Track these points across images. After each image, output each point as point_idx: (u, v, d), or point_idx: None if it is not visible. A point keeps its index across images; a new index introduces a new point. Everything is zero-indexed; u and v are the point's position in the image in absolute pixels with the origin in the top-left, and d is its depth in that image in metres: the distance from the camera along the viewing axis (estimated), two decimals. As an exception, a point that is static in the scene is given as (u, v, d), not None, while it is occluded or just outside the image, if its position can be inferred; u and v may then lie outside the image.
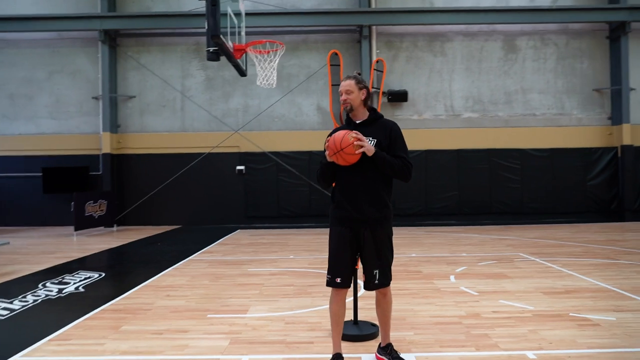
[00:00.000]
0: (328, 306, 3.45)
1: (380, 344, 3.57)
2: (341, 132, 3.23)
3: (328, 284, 3.36)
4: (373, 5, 14.02)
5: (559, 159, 14.16)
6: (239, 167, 14.21)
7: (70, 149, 14.39)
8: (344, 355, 3.43)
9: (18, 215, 14.25)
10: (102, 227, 13.28)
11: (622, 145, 14.00)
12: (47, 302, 5.44)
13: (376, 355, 3.58)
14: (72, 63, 14.61)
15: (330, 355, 3.37)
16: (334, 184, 3.46)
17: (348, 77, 3.45)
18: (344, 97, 3.39)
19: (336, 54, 4.41)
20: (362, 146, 3.19)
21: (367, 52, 13.88)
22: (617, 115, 14.14)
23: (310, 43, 14.37)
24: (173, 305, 5.18)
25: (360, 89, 3.43)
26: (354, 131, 3.25)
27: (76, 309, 5.07)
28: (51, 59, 14.60)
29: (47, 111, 14.58)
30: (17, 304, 5.31)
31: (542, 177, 14.10)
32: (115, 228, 13.62)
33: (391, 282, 3.43)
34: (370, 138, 3.34)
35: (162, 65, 14.52)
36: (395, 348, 3.53)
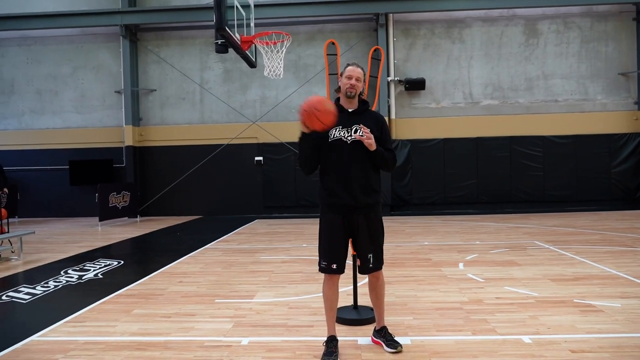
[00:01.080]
0: (323, 293, 3.53)
1: (375, 327, 3.65)
2: (312, 97, 3.22)
3: (323, 271, 3.45)
4: (389, -7, 13.91)
5: (583, 145, 13.87)
6: (257, 158, 14.38)
7: (94, 142, 14.81)
8: (343, 338, 3.51)
9: (46, 206, 14.78)
10: (125, 218, 13.65)
11: (649, 130, 13.63)
12: (67, 287, 5.69)
13: (372, 338, 3.66)
14: (95, 58, 14.98)
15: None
16: (322, 173, 3.50)
17: (357, 65, 3.50)
18: (353, 82, 3.41)
19: (333, 43, 4.45)
20: (371, 142, 3.28)
21: (384, 40, 13.81)
22: (644, 99, 13.76)
23: (327, 32, 14.36)
24: (184, 291, 5.35)
25: (364, 80, 3.51)
26: (361, 125, 3.32)
27: (93, 294, 5.29)
28: (75, 54, 15.00)
29: (72, 105, 15.01)
30: (39, 289, 5.57)
31: (564, 165, 13.85)
32: (138, 219, 13.98)
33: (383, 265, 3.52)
34: (360, 127, 3.38)
35: (182, 58, 14.75)
36: (390, 332, 3.60)
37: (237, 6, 6.02)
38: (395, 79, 13.96)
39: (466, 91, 14.15)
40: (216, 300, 4.92)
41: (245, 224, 12.13)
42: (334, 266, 3.42)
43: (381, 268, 3.51)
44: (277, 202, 14.32)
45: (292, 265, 6.66)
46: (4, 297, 5.25)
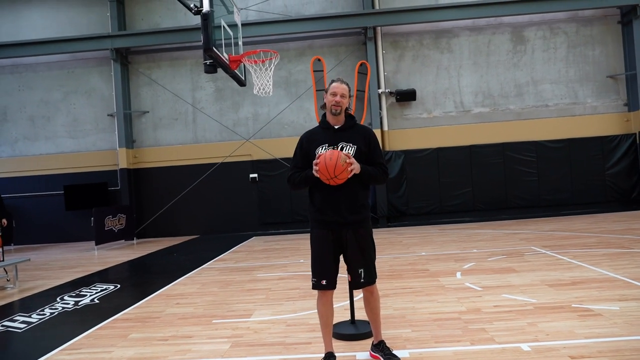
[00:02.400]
0: (317, 309, 3.51)
1: (373, 341, 3.62)
2: (332, 157, 3.17)
3: (314, 287, 3.44)
4: (377, 7, 14.08)
5: (576, 149, 13.94)
6: (252, 175, 14.38)
7: (89, 166, 14.79)
8: (341, 353, 3.48)
9: (41, 232, 14.71)
10: (122, 241, 13.59)
11: (641, 131, 13.72)
12: (64, 314, 5.64)
13: (370, 353, 3.63)
14: (87, 82, 15.03)
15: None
16: (311, 190, 3.50)
17: (342, 81, 3.50)
18: (338, 99, 3.40)
19: (319, 60, 4.48)
20: (353, 168, 3.24)
21: (373, 53, 13.93)
22: (634, 100, 13.86)
23: (316, 48, 14.48)
24: (181, 313, 5.31)
25: (349, 96, 3.51)
26: (344, 153, 3.25)
27: (89, 320, 5.25)
28: (66, 80, 15.05)
29: (65, 130, 15.02)
30: (34, 317, 5.51)
31: (558, 169, 13.90)
32: (135, 241, 13.91)
33: (377, 279, 3.51)
34: (350, 144, 3.39)
35: (173, 79, 14.82)
36: (389, 345, 3.57)
37: (224, 26, 6.07)
38: (386, 90, 14.04)
39: (457, 100, 14.24)
40: (213, 321, 4.89)
41: (242, 242, 12.08)
42: (324, 282, 3.40)
43: (374, 283, 3.48)
44: (274, 218, 14.29)
45: (290, 282, 6.62)
46: (-1, 327, 5.19)
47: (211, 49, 5.37)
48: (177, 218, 14.51)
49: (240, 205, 14.40)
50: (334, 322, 3.75)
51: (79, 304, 6.13)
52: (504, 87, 14.20)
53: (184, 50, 14.77)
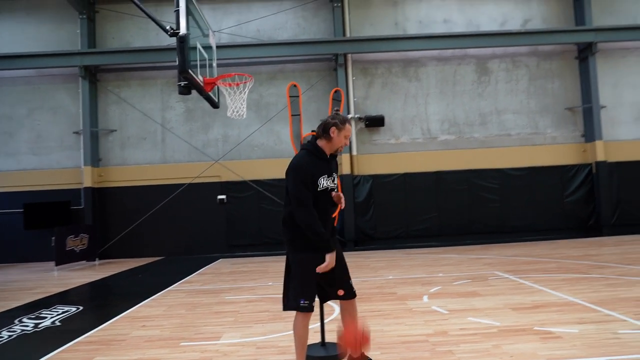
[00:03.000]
0: (295, 330, 3.55)
1: (350, 354, 3.70)
2: (359, 335, 3.44)
3: (305, 309, 3.47)
4: (347, 35, 14.44)
5: (537, 177, 14.46)
6: (220, 197, 14.30)
7: (51, 184, 14.38)
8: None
9: (-2, 252, 14.14)
10: (84, 262, 13.20)
11: (597, 161, 14.35)
12: (23, 337, 5.44)
13: None
14: (53, 99, 14.74)
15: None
16: None
17: (350, 123, 3.65)
18: (347, 142, 3.63)
19: (295, 86, 4.60)
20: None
21: (344, 79, 14.22)
22: (590, 132, 14.53)
23: (288, 72, 14.68)
24: (147, 335, 5.21)
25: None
26: (341, 196, 3.60)
27: (51, 343, 5.08)
28: (32, 95, 14.72)
29: (28, 147, 14.63)
30: (-10, 341, 5.30)
31: (520, 196, 14.36)
32: (97, 262, 13.55)
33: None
34: (335, 174, 3.70)
35: (143, 98, 14.71)
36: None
37: (199, 49, 6.14)
38: (356, 116, 14.31)
39: (424, 127, 14.62)
40: (181, 344, 4.82)
41: (209, 264, 11.93)
42: (313, 304, 3.52)
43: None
44: (241, 240, 14.19)
45: (258, 305, 6.59)
46: (-47, 351, 4.98)
47: (187, 71, 5.42)
48: (142, 239, 14.22)
49: (208, 226, 14.26)
50: (305, 344, 3.78)
51: (39, 326, 5.93)
52: (469, 116, 14.68)
53: (155, 70, 14.72)
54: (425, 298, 6.41)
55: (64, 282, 9.85)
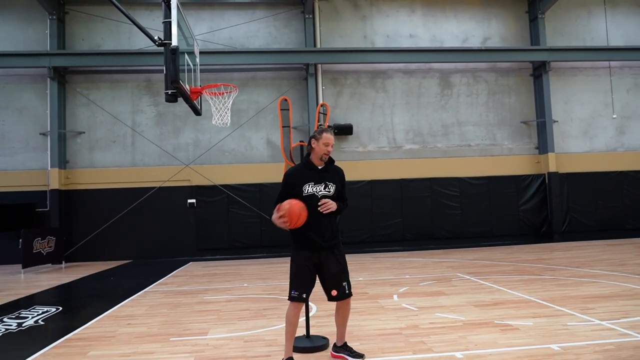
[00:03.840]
0: (287, 317, 3.96)
1: (335, 343, 4.16)
2: (296, 210, 3.79)
3: (294, 299, 3.92)
4: (318, 45, 14.92)
5: (494, 186, 15.31)
6: (190, 201, 14.45)
7: (15, 185, 14.18)
8: (298, 363, 3.92)
9: (-42, 255, 13.79)
10: (49, 265, 13.08)
11: (549, 172, 15.32)
12: (9, 335, 5.57)
13: (332, 354, 4.15)
14: (19, 99, 14.55)
15: (285, 363, 3.85)
16: None
17: (330, 132, 4.07)
18: (329, 149, 4.04)
19: (286, 100, 4.99)
20: (329, 208, 3.93)
21: (314, 88, 14.69)
22: (544, 145, 15.51)
23: (259, 80, 15.02)
24: (135, 332, 5.45)
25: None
26: (323, 202, 3.91)
27: (40, 340, 5.26)
28: (-3, 95, 14.49)
29: (-9, 148, 14.37)
30: (-24, 339, 5.41)
31: (479, 203, 15.17)
32: (63, 265, 13.43)
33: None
34: (331, 183, 4.08)
35: (112, 101, 14.71)
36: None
37: (187, 59, 6.44)
38: (329, 116, 14.74)
39: (390, 136, 15.23)
40: (171, 339, 5.10)
41: (180, 267, 12.09)
42: (304, 295, 3.93)
43: (351, 294, 4.14)
44: (211, 244, 14.38)
45: (238, 304, 6.90)
46: (-59, 348, 5.08)
47: (178, 81, 5.71)
48: (109, 242, 14.19)
49: (177, 230, 14.38)
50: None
51: (23, 325, 6.05)
52: (432, 127, 15.41)
53: (126, 73, 14.77)
54: (395, 297, 6.89)
55: (35, 285, 9.83)
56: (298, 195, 3.95)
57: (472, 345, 4.43)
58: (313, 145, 4.07)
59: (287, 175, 4.09)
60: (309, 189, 3.99)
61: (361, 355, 4.09)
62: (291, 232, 4.00)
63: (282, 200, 3.93)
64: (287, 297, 4.00)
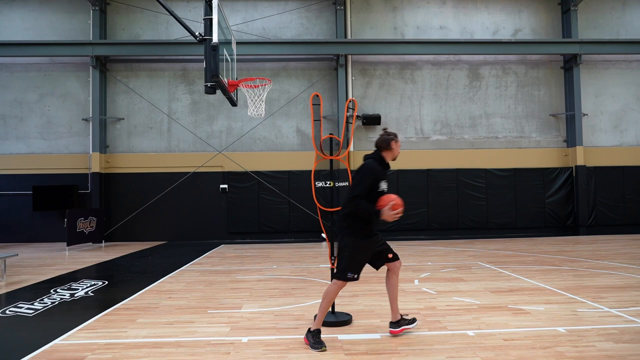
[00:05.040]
0: (329, 294, 4.36)
1: (391, 321, 4.63)
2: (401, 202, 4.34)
3: (349, 280, 4.32)
4: (349, 37, 15.22)
5: (520, 178, 15.42)
6: (222, 186, 15.06)
7: (60, 168, 15.04)
8: (327, 335, 4.41)
9: (7, 232, 14.78)
10: (90, 243, 13.91)
11: (577, 165, 15.33)
12: (64, 303, 6.21)
13: (391, 331, 4.59)
14: (63, 86, 15.35)
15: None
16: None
17: None
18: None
19: (317, 96, 5.39)
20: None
21: (344, 78, 15.02)
22: (572, 138, 15.50)
23: (290, 70, 15.44)
24: (176, 304, 6.01)
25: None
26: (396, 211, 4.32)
27: (92, 308, 5.87)
28: (42, 82, 15.32)
29: (37, 132, 15.24)
30: (38, 305, 6.07)
31: (505, 195, 15.32)
32: (103, 244, 14.25)
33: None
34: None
35: (150, 89, 15.38)
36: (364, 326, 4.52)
37: (226, 57, 6.90)
38: (356, 112, 15.09)
39: (417, 127, 15.48)
40: (209, 311, 5.63)
41: (212, 249, 12.71)
42: (356, 276, 4.36)
43: None
44: (241, 228, 14.99)
45: (268, 283, 7.42)
46: (8, 312, 5.73)
47: (217, 75, 6.18)
48: (145, 224, 14.96)
49: (209, 214, 15.03)
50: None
51: (75, 295, 6.70)
52: (460, 118, 15.58)
53: (163, 62, 15.39)
54: (416, 282, 7.29)
55: (80, 261, 10.58)
56: (373, 189, 4.31)
57: (484, 325, 4.81)
58: (393, 147, 4.48)
59: (374, 170, 4.35)
60: (383, 186, 4.37)
61: (415, 319, 4.65)
62: (353, 222, 4.32)
63: (365, 192, 4.23)
64: (338, 277, 4.32)
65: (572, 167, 15.51)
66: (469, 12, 15.81)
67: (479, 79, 15.73)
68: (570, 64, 15.55)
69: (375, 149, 4.56)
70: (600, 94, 15.80)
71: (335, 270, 4.45)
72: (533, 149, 15.68)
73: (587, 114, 15.61)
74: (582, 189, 15.30)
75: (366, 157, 4.53)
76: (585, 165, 15.36)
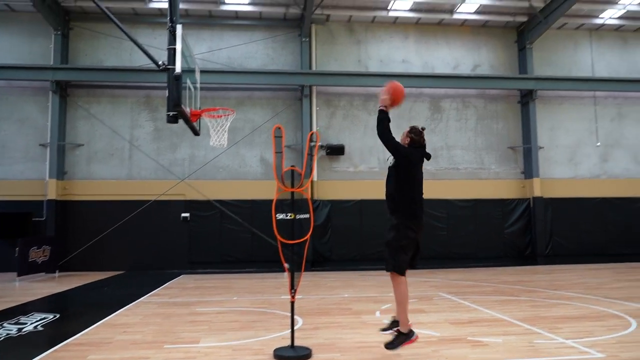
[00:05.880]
0: (401, 295, 4.68)
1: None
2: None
3: (404, 272, 4.59)
4: (314, 68, 15.46)
5: (481, 208, 15.77)
6: (184, 215, 14.79)
7: (14, 195, 14.44)
8: None
9: (-47, 261, 14.01)
10: (43, 273, 13.33)
11: (534, 197, 15.81)
12: (10, 339, 5.89)
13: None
14: (21, 110, 14.91)
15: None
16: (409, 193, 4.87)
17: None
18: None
19: (279, 128, 5.42)
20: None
21: (308, 109, 15.18)
22: (529, 170, 16.03)
23: (255, 99, 15.51)
24: (131, 339, 5.79)
25: (408, 137, 5.18)
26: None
27: (41, 344, 5.60)
28: (-1, 106, 14.87)
29: (-9, 157, 14.69)
30: (-21, 342, 5.73)
31: (466, 225, 15.60)
32: (57, 274, 13.68)
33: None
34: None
35: (112, 115, 15.12)
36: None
37: (189, 86, 6.88)
38: (318, 144, 15.23)
39: (381, 157, 15.69)
40: (165, 346, 5.45)
41: (172, 279, 12.38)
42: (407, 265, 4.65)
43: None
44: (202, 258, 14.69)
45: (228, 316, 7.26)
46: (-53, 349, 5.39)
47: (180, 105, 6.14)
48: (102, 253, 14.47)
49: (170, 243, 14.69)
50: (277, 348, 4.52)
51: (23, 330, 6.37)
52: (422, 149, 15.86)
53: (126, 88, 15.20)
54: (377, 313, 7.27)
55: (31, 292, 10.11)
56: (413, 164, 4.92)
57: (443, 358, 4.83)
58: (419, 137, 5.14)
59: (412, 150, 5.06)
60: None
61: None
62: (401, 202, 4.63)
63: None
64: (395, 270, 4.55)
65: (529, 199, 15.98)
66: (430, 47, 16.34)
67: (440, 112, 16.17)
68: (526, 98, 16.19)
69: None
70: (555, 127, 16.47)
71: (388, 265, 4.58)
72: (492, 180, 16.11)
73: (543, 147, 16.20)
74: (539, 219, 15.74)
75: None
76: (542, 197, 15.86)
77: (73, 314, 7.80)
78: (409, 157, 4.70)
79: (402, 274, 4.50)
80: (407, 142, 4.99)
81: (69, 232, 14.58)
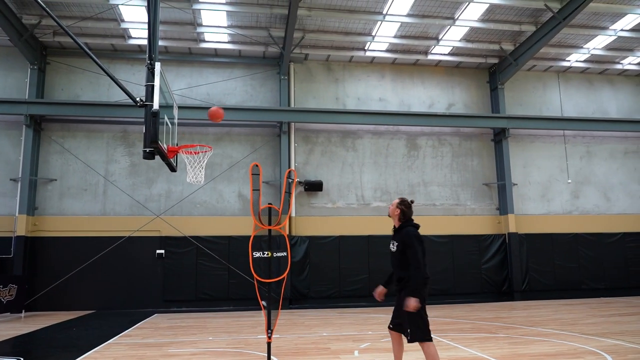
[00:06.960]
0: (431, 353, 4.86)
1: None
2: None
3: (431, 339, 4.81)
4: (292, 105, 15.64)
5: (457, 244, 15.87)
6: (158, 251, 14.49)
7: (-20, 231, 14.00)
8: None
9: None
10: (8, 314, 12.79)
11: (509, 232, 16.01)
12: (-31, 386, 5.58)
13: None
14: (-8, 144, 14.62)
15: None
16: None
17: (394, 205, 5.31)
18: (389, 210, 5.36)
19: (257, 166, 5.42)
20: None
21: (287, 145, 15.25)
22: (504, 206, 16.28)
23: (234, 135, 15.53)
24: (99, 384, 5.55)
25: (398, 208, 5.19)
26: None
27: (1, 391, 5.30)
28: (-31, 140, 14.55)
29: (-41, 192, 14.26)
30: (-64, 389, 5.41)
31: (443, 261, 15.64)
32: (23, 314, 13.14)
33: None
34: (395, 242, 5.09)
35: (87, 150, 14.92)
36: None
37: (167, 122, 6.86)
38: (296, 180, 15.25)
39: (358, 194, 15.79)
40: (135, 391, 5.22)
41: (145, 319, 12.01)
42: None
43: None
44: (177, 296, 14.33)
45: (202, 357, 7.03)
46: None
47: (157, 142, 6.10)
48: (72, 291, 13.99)
49: (144, 281, 14.32)
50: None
51: (-17, 375, 6.05)
52: (399, 185, 16.06)
53: (103, 123, 15.08)
54: (356, 353, 7.14)
55: (-6, 334, 9.65)
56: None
57: (423, 399, 4.73)
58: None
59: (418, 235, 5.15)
60: (391, 246, 5.23)
61: None
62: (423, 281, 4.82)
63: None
64: (429, 339, 4.75)
65: (505, 234, 16.17)
66: (406, 86, 16.74)
67: (416, 149, 16.42)
68: (499, 137, 16.60)
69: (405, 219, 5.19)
70: (527, 165, 16.86)
71: (414, 336, 4.81)
72: (468, 216, 16.29)
73: (516, 184, 16.53)
74: (515, 255, 15.90)
75: (410, 225, 5.18)
76: (517, 233, 16.07)
77: (38, 357, 7.46)
78: (422, 244, 5.13)
79: (431, 339, 4.77)
80: (397, 213, 5.17)
81: (38, 270, 14.10)
